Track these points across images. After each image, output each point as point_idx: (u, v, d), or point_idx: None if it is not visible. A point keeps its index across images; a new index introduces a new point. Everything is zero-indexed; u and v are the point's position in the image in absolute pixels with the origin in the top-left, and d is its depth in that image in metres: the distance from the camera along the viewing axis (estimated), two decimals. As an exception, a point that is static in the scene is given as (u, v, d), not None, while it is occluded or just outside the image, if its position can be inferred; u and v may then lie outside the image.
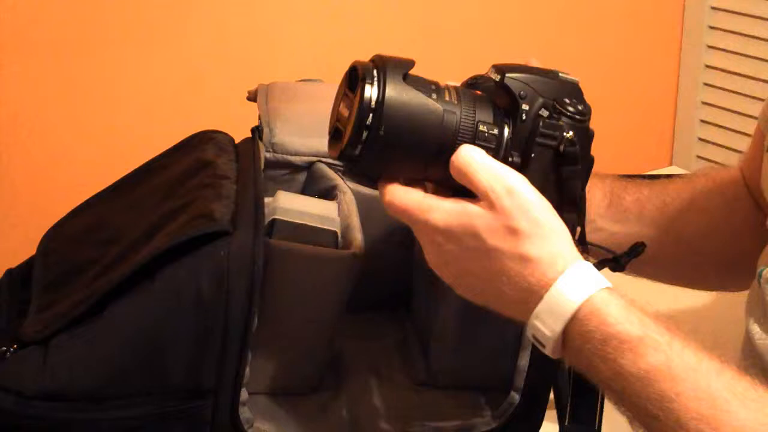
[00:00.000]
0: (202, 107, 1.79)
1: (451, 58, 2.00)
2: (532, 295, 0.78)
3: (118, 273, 0.89)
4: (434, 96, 0.80)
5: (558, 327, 0.77)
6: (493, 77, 0.83)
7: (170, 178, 1.02)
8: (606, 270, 0.91)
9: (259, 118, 1.08)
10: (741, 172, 1.10)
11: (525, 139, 0.81)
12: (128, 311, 0.88)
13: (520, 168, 0.80)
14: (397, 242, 1.03)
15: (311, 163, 1.05)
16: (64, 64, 1.72)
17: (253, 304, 0.87)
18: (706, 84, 2.29)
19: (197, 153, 1.03)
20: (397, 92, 0.79)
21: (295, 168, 1.05)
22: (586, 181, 0.84)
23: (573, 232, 0.84)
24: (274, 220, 0.94)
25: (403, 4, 1.96)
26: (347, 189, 1.02)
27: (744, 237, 1.07)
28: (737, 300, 1.03)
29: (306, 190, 1.05)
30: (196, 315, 0.87)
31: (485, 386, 1.00)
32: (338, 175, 1.04)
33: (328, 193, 1.02)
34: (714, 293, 1.25)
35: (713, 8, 2.24)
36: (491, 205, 0.78)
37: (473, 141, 0.80)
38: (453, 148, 0.80)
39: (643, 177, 1.11)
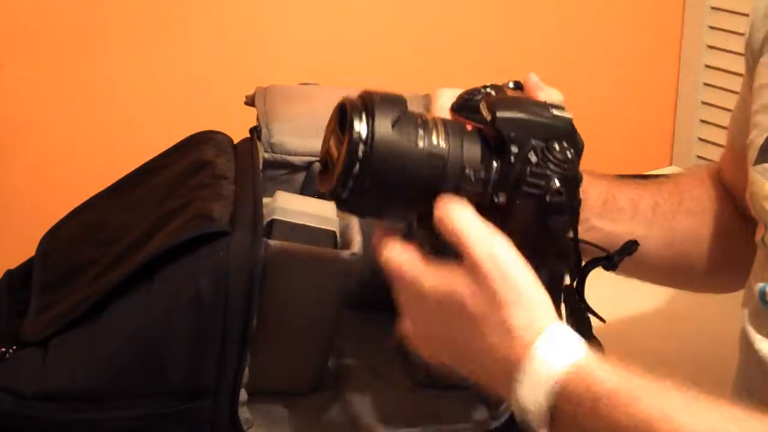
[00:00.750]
0: (201, 108, 1.79)
1: (451, 60, 2.00)
2: (513, 368, 0.75)
3: (117, 274, 0.89)
4: (421, 141, 0.79)
5: (543, 399, 0.74)
6: (485, 114, 0.81)
7: (169, 178, 1.02)
8: (600, 270, 0.91)
9: (258, 119, 1.08)
10: (720, 177, 1.10)
11: (512, 182, 0.79)
12: (127, 312, 0.88)
13: (505, 209, 0.79)
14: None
15: (310, 163, 1.05)
16: (64, 64, 1.72)
17: (252, 305, 0.87)
18: (706, 84, 2.28)
19: (196, 153, 1.03)
20: (385, 143, 0.78)
21: (293, 168, 1.05)
22: (576, 226, 0.83)
23: (561, 281, 0.85)
24: (272, 220, 0.94)
25: (402, 8, 1.96)
26: (346, 189, 1.02)
27: (730, 239, 1.07)
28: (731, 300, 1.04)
29: (305, 190, 1.05)
30: (195, 315, 0.87)
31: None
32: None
33: (327, 193, 1.02)
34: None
35: (713, 8, 2.23)
36: (473, 269, 0.77)
37: (458, 185, 0.79)
38: (438, 192, 0.79)
39: (639, 177, 1.11)
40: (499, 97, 0.83)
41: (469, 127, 0.81)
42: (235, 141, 1.08)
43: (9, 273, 1.05)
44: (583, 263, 0.89)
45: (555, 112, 0.81)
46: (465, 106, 0.85)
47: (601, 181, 1.04)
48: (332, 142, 0.80)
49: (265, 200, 0.96)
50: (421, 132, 0.79)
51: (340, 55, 1.89)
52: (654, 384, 0.74)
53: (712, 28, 2.25)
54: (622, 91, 2.22)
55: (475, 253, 0.77)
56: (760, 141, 0.95)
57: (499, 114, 0.79)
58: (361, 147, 0.77)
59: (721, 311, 1.12)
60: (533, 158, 0.79)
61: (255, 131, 1.07)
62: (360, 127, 0.77)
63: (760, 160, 0.95)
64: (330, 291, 0.95)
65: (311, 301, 0.94)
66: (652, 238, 1.03)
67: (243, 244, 0.88)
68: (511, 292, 0.77)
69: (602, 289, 0.91)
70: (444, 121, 0.81)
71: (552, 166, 0.79)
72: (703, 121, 2.33)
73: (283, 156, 1.05)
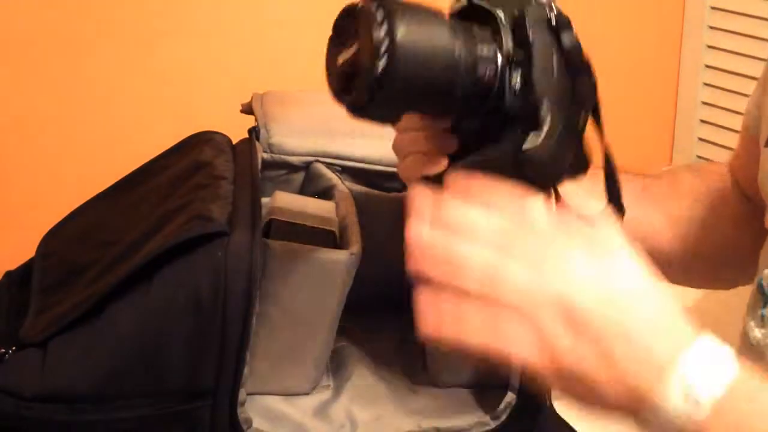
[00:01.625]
0: (199, 108, 1.80)
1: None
2: (639, 403, 0.64)
3: (116, 274, 0.89)
4: (443, 28, 0.73)
5: None
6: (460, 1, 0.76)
7: (168, 179, 1.02)
8: None
9: (256, 120, 1.08)
10: (729, 170, 1.10)
11: (517, 35, 0.75)
12: (127, 313, 0.88)
13: (528, 58, 0.74)
14: (396, 242, 1.03)
15: (309, 163, 1.05)
16: (65, 65, 1.72)
17: (251, 305, 0.87)
18: (706, 84, 2.29)
19: (195, 154, 1.03)
20: (408, 32, 0.71)
21: (292, 168, 1.05)
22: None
23: (592, 102, 0.79)
24: (271, 220, 0.94)
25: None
26: (345, 189, 1.02)
27: (733, 238, 1.06)
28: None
29: (303, 190, 1.05)
30: (195, 316, 0.87)
31: (484, 386, 1.00)
32: (336, 174, 1.04)
33: (325, 192, 1.02)
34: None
35: (713, 8, 2.24)
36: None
37: (476, 67, 0.74)
38: (465, 82, 0.73)
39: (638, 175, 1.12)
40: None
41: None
42: (235, 139, 1.08)
43: (8, 274, 1.05)
44: None
45: None
46: None
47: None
48: (345, 52, 0.74)
49: (264, 200, 0.96)
50: (436, 17, 0.73)
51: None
52: None
53: (712, 28, 2.25)
54: (622, 91, 2.22)
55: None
56: None
57: None
58: (385, 37, 0.70)
59: (727, 305, 1.13)
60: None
61: (254, 132, 1.07)
62: (379, 16, 0.71)
63: None
64: (330, 291, 0.95)
65: (310, 301, 0.94)
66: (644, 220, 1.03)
67: (242, 245, 0.88)
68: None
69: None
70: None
71: None
72: (703, 121, 2.33)
73: (282, 156, 1.05)
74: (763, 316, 0.93)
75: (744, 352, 0.96)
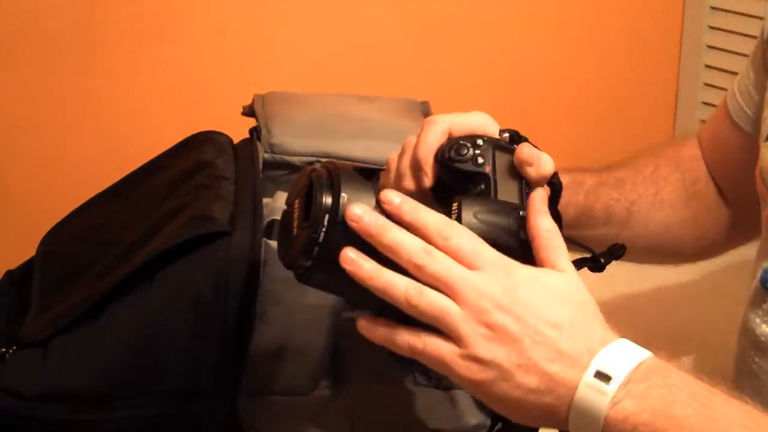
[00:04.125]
0: (200, 108, 1.79)
1: (449, 65, 2.00)
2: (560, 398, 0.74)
3: (117, 274, 0.90)
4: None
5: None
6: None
7: (169, 179, 1.02)
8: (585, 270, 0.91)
9: (257, 120, 1.08)
10: (699, 146, 1.12)
11: None
12: (127, 312, 0.88)
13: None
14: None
15: (310, 164, 1.05)
16: (66, 64, 1.72)
17: (252, 305, 0.88)
18: (706, 84, 2.28)
19: (196, 154, 1.03)
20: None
21: (293, 168, 1.05)
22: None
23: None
24: (272, 220, 0.94)
25: (400, 14, 1.96)
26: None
27: (707, 219, 1.12)
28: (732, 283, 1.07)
29: (304, 191, 1.05)
30: (195, 316, 0.87)
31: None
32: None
33: (326, 193, 1.02)
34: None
35: (713, 8, 2.23)
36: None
37: None
38: None
39: (624, 164, 1.14)
40: (474, 202, 0.80)
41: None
42: (236, 139, 1.08)
43: (9, 273, 1.05)
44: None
45: (523, 234, 0.79)
46: (449, 166, 0.83)
47: (580, 192, 1.05)
48: (297, 209, 0.79)
49: (265, 201, 0.96)
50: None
51: (338, 60, 1.89)
52: (692, 408, 0.73)
53: (712, 28, 2.25)
54: (622, 91, 2.22)
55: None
56: None
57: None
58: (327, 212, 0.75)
59: (721, 294, 1.16)
60: None
61: (255, 132, 1.07)
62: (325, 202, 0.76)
63: None
64: (330, 291, 0.95)
65: (311, 301, 0.94)
66: (622, 237, 1.05)
67: (243, 245, 0.88)
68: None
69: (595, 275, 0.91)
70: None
71: None
72: (703, 121, 2.33)
73: (283, 156, 1.05)
74: None
75: (747, 347, 0.97)
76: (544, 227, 0.78)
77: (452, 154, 0.83)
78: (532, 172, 0.83)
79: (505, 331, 0.73)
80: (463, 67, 2.01)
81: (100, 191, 1.09)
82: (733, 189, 1.10)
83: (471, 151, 0.83)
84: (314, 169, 0.79)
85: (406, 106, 1.15)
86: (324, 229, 0.75)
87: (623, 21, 2.20)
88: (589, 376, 0.73)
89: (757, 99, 1.05)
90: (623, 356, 0.73)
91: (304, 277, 0.78)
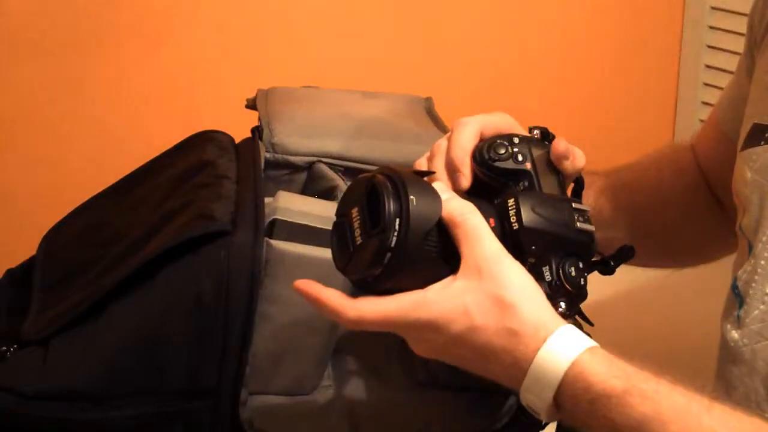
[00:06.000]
0: (202, 107, 1.80)
1: (452, 62, 2.01)
2: (519, 369, 0.79)
3: (118, 273, 0.89)
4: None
5: (548, 396, 0.78)
6: (511, 215, 0.83)
7: (170, 178, 1.02)
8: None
9: (259, 119, 1.08)
10: (694, 153, 1.14)
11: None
12: (128, 311, 0.88)
13: None
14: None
15: (311, 164, 1.05)
16: (66, 63, 1.72)
17: (253, 304, 0.88)
18: (706, 84, 2.29)
19: (197, 153, 1.03)
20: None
21: (295, 168, 1.05)
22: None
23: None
24: (274, 220, 0.93)
25: (403, 10, 1.96)
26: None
27: (708, 224, 1.14)
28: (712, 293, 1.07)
29: (306, 191, 1.05)
30: (196, 315, 0.87)
31: (485, 388, 1.00)
32: (338, 175, 1.04)
33: (328, 193, 1.02)
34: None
35: (713, 8, 2.24)
36: (479, 272, 0.79)
37: None
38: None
39: (630, 166, 1.15)
40: (528, 197, 0.83)
41: (491, 222, 0.83)
42: (237, 138, 1.08)
43: (9, 272, 1.05)
44: None
45: (580, 224, 0.83)
46: (489, 165, 0.86)
47: (589, 193, 1.07)
48: (357, 218, 0.81)
49: (267, 200, 0.96)
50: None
51: (341, 56, 1.89)
52: (650, 384, 0.77)
53: (712, 28, 2.25)
54: (622, 91, 2.22)
55: (484, 256, 0.79)
56: (747, 127, 0.97)
57: (526, 224, 0.82)
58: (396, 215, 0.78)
59: (704, 303, 1.17)
60: (546, 275, 0.82)
61: (256, 131, 1.07)
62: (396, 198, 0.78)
63: (745, 145, 0.97)
64: (330, 290, 0.95)
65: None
66: (627, 240, 1.06)
67: (244, 244, 0.88)
68: (515, 294, 0.79)
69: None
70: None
71: (562, 288, 0.82)
72: (702, 121, 2.33)
73: (285, 156, 1.05)
74: (739, 317, 0.94)
75: (723, 356, 0.97)
76: None
77: (491, 153, 0.86)
78: (568, 165, 0.86)
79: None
80: (466, 65, 2.01)
81: (101, 190, 1.09)
82: (726, 196, 1.12)
83: (509, 150, 0.85)
84: (370, 177, 0.80)
85: (410, 103, 1.15)
86: (396, 234, 0.77)
87: (623, 21, 2.20)
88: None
89: (741, 109, 1.07)
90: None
91: (373, 285, 0.80)
